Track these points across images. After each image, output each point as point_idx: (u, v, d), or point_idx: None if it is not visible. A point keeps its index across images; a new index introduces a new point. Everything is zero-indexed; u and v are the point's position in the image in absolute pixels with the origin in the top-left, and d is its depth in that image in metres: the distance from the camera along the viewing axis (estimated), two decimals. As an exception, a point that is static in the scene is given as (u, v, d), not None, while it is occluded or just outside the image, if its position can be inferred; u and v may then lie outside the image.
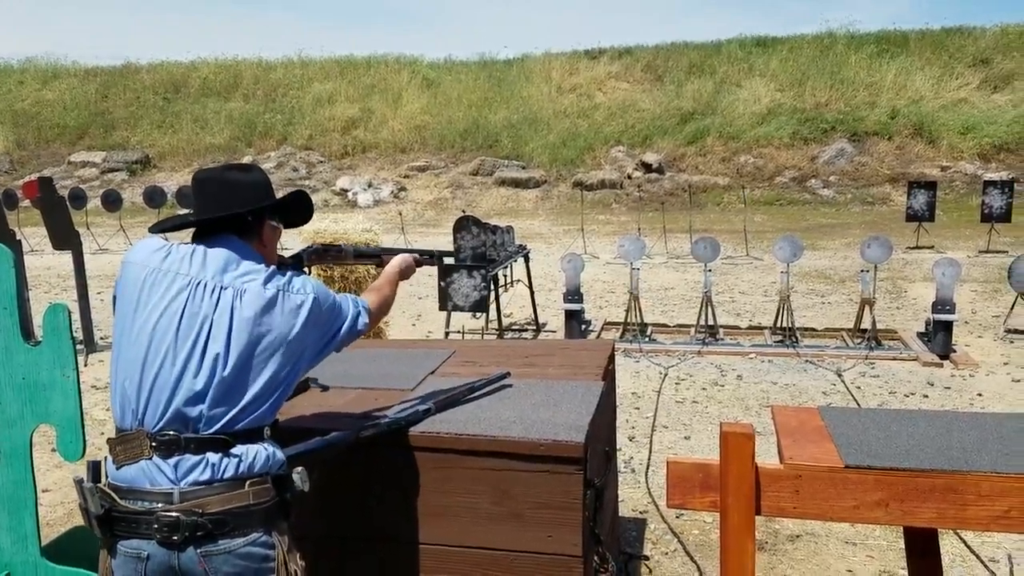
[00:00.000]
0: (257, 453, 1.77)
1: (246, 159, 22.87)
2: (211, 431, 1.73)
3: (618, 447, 4.04)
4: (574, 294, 7.68)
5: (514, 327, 8.58)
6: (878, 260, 7.39)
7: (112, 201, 16.41)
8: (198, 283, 1.79)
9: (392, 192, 20.85)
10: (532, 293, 8.53)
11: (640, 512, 4.07)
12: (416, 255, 2.46)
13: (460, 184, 20.98)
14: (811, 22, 43.06)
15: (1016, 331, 7.66)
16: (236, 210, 1.89)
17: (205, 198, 1.92)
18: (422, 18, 55.38)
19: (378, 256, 2.47)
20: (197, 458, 1.71)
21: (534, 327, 8.42)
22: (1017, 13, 41.28)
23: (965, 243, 13.07)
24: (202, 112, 25.14)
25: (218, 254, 1.84)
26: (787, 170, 19.30)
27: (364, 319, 2.05)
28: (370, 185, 21.12)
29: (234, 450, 1.74)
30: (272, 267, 1.90)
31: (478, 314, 7.65)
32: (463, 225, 7.79)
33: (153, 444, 1.72)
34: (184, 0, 58.01)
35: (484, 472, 2.18)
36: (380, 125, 23.74)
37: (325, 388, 2.72)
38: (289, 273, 1.91)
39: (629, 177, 19.98)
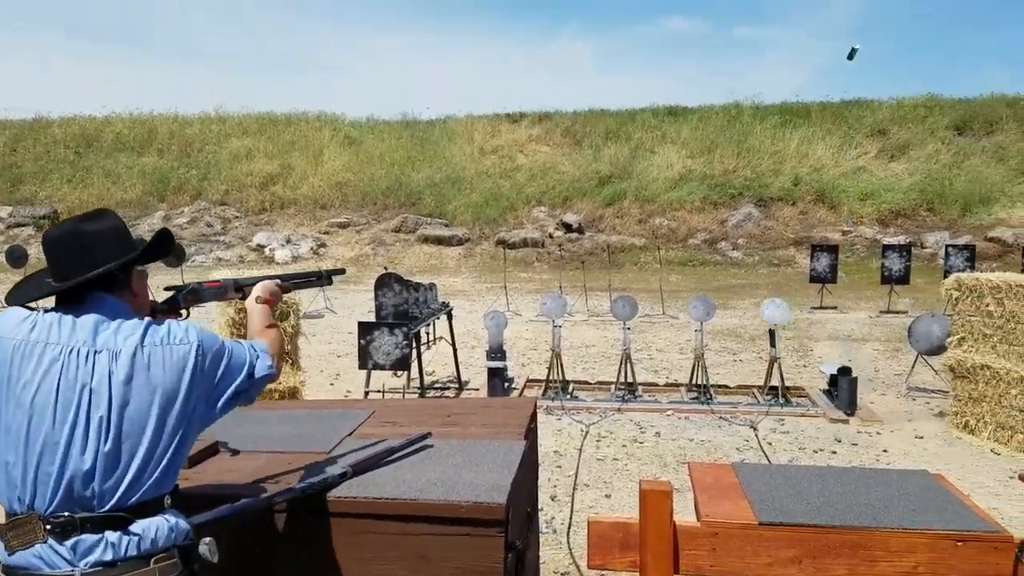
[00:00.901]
0: (159, 527, 1.68)
1: (158, 214, 22.27)
2: (106, 508, 1.63)
3: (540, 507, 4.01)
4: (497, 351, 7.68)
5: (436, 385, 8.50)
6: (776, 321, 7.64)
7: (17, 257, 15.65)
8: (71, 351, 1.67)
9: (311, 248, 20.59)
10: (455, 351, 8.49)
11: (562, 574, 4.02)
12: (279, 281, 2.33)
13: (382, 241, 20.90)
14: (718, 93, 45.65)
15: (918, 389, 8.03)
16: (103, 268, 1.76)
17: (65, 259, 1.77)
18: (345, 77, 55.80)
19: (240, 288, 2.30)
20: (96, 537, 1.62)
21: (456, 385, 8.36)
22: (911, 87, 44.50)
23: (867, 304, 13.72)
24: (114, 167, 24.47)
25: (87, 319, 1.72)
26: (699, 232, 19.99)
27: (267, 362, 1.93)
28: (288, 241, 20.81)
29: (134, 527, 1.65)
30: (148, 320, 1.78)
31: (399, 372, 7.56)
32: (385, 282, 7.74)
33: (47, 527, 1.61)
34: (99, 53, 56.86)
35: (402, 537, 2.12)
36: (300, 181, 23.55)
37: (236, 452, 2.61)
38: (167, 323, 1.80)
39: (550, 236, 20.32)
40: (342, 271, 2.70)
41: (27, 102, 68.59)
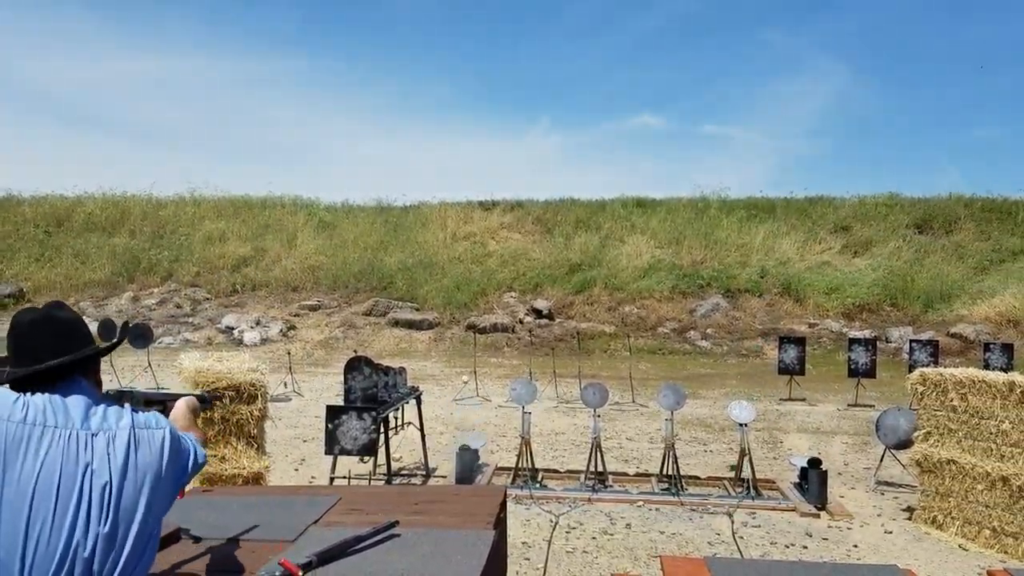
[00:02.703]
0: None
1: (126, 295, 22.04)
2: None
3: (507, 601, 3.90)
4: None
5: (403, 472, 8.34)
6: (742, 420, 7.67)
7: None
8: (70, 433, 1.71)
9: (281, 331, 20.42)
10: (423, 436, 8.37)
11: (529, 673, 3.89)
12: (196, 397, 2.44)
13: (352, 324, 20.81)
14: (686, 187, 47.17)
15: (886, 483, 8.04)
16: (90, 350, 1.87)
17: (45, 342, 1.82)
18: (320, 164, 56.62)
19: (163, 403, 2.37)
20: None
21: (424, 472, 8.21)
22: (872, 185, 46.22)
23: (834, 396, 13.84)
24: (84, 247, 24.30)
25: (76, 401, 1.78)
26: (668, 321, 20.19)
27: (203, 452, 2.05)
28: (258, 323, 20.63)
29: None
30: (127, 406, 1.86)
31: (366, 458, 7.42)
32: (355, 365, 7.69)
33: None
34: (72, 134, 57.26)
35: (367, 630, 2.06)
36: (272, 264, 23.55)
37: (198, 539, 2.54)
38: (138, 411, 1.88)
39: (521, 322, 20.39)
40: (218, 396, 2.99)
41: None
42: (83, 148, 55.80)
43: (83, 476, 1.68)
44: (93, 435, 1.73)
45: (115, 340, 2.10)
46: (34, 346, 1.82)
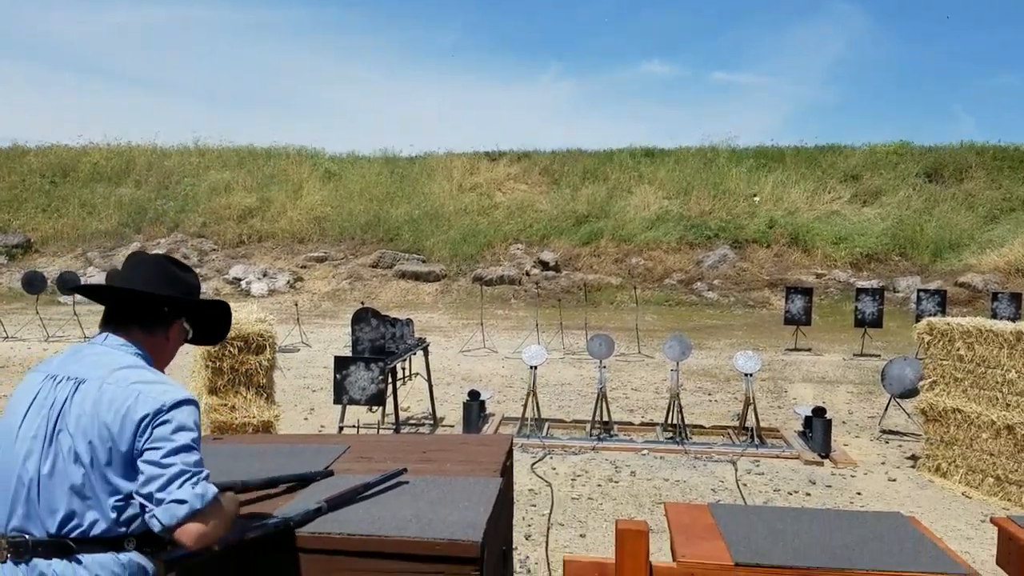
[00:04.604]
0: (104, 565, 1.65)
1: (134, 245, 22.08)
2: (52, 534, 1.65)
3: (514, 546, 3.96)
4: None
5: (411, 421, 8.43)
6: (748, 370, 7.69)
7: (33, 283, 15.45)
8: (49, 377, 1.77)
9: (288, 282, 20.49)
10: (430, 386, 8.44)
11: (535, 615, 3.97)
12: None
13: (359, 276, 20.85)
14: (695, 136, 46.36)
15: (891, 432, 8.09)
16: (167, 292, 1.89)
17: (134, 275, 1.89)
18: (325, 113, 56.08)
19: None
20: (45, 563, 1.62)
21: (431, 421, 8.30)
22: (883, 134, 45.53)
23: (840, 346, 13.86)
24: (90, 197, 24.26)
25: (90, 349, 1.82)
26: (675, 272, 20.16)
27: (204, 486, 1.69)
28: (265, 274, 20.69)
29: (84, 560, 1.64)
30: (141, 364, 1.78)
31: (374, 408, 7.50)
32: (362, 317, 7.71)
33: (5, 545, 1.64)
34: (77, 83, 56.73)
35: (375, 575, 2.09)
36: (278, 215, 23.49)
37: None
38: (152, 374, 1.77)
39: (527, 274, 20.39)
40: (330, 473, 2.55)
41: (3, 131, 68.16)
42: (88, 97, 55.37)
43: (47, 416, 1.71)
44: (68, 379, 1.74)
45: (193, 300, 2.05)
46: (124, 275, 1.90)
